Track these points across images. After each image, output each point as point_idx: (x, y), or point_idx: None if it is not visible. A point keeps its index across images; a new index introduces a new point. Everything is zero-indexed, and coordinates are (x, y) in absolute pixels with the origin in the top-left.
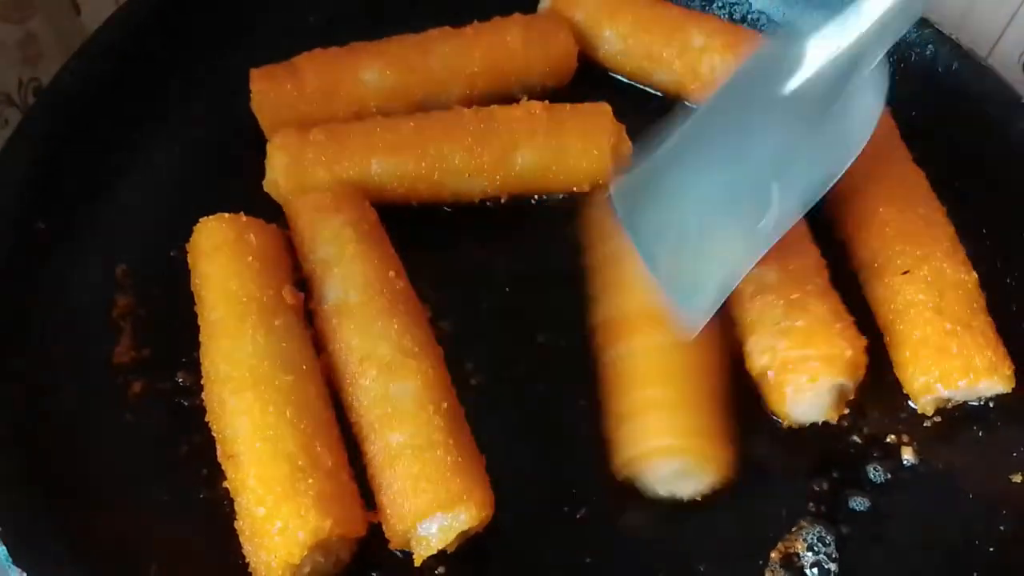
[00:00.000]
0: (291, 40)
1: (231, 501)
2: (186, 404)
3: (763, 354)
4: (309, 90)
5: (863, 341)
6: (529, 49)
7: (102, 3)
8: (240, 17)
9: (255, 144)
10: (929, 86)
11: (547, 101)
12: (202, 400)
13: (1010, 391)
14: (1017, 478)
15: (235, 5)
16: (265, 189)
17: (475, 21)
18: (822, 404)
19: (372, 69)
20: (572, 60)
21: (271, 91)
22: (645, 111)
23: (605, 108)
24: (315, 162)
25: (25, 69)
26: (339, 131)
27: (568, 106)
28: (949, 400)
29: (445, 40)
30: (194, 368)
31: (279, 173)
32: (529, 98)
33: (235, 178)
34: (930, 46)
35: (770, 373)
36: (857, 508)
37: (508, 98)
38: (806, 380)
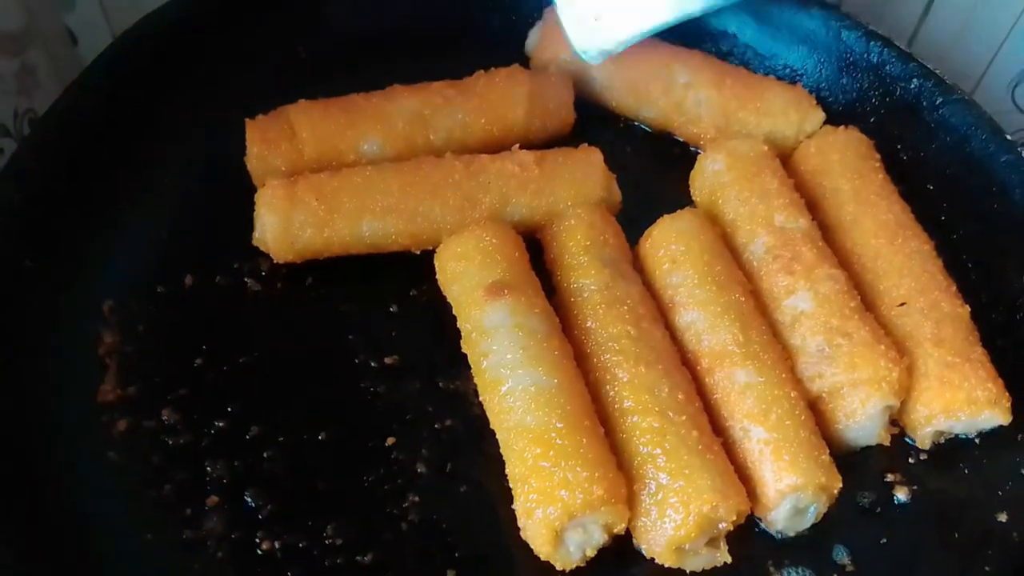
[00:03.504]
0: (282, 72)
1: (215, 540)
2: (171, 443)
3: (812, 381)
4: (307, 158)
5: (906, 360)
6: (531, 123)
7: (99, 34)
8: (232, 48)
9: (245, 180)
10: (914, 120)
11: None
12: (186, 439)
13: (1007, 424)
14: (1003, 517)
15: (228, 36)
16: (254, 243)
17: (461, 52)
18: (874, 428)
19: (372, 142)
20: (570, 122)
21: (267, 154)
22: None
23: (596, 157)
24: (305, 224)
25: (21, 99)
26: (328, 194)
27: (560, 154)
28: (944, 434)
29: (448, 111)
30: (180, 406)
31: (268, 234)
32: (521, 145)
33: (224, 215)
34: (915, 80)
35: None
36: (845, 545)
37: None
38: (857, 404)
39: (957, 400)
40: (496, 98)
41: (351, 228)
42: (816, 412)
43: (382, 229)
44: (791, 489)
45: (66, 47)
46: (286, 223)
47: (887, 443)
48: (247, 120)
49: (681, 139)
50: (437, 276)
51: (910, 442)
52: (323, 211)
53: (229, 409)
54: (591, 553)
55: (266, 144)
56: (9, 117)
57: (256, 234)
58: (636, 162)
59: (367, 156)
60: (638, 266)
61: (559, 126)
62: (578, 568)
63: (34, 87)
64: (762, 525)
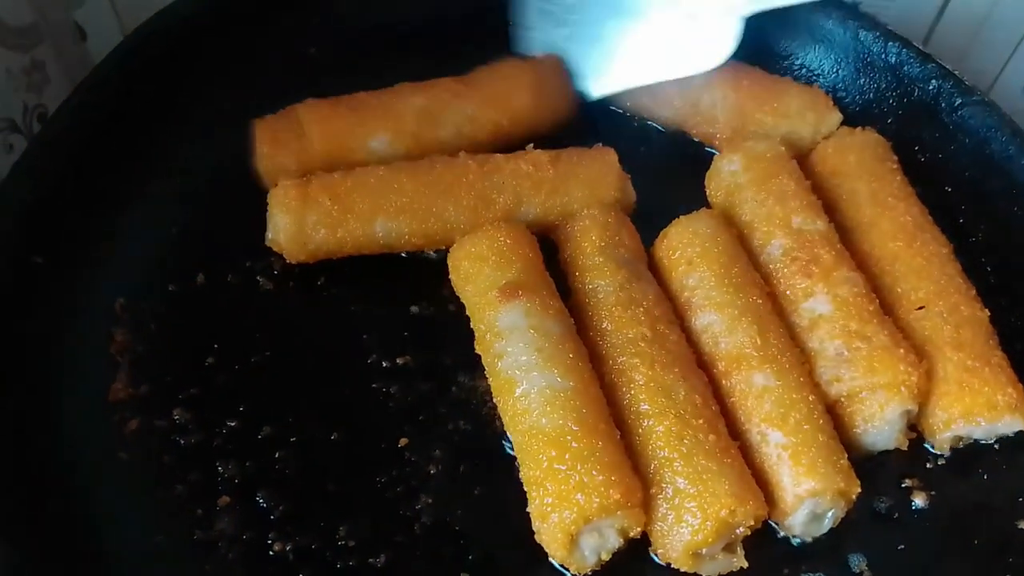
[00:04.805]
0: (293, 71)
1: (226, 541)
2: (182, 442)
3: (830, 384)
4: (316, 156)
5: (924, 364)
6: (539, 110)
7: (108, 30)
8: (242, 47)
9: (255, 178)
10: (932, 122)
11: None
12: (198, 438)
13: None
14: (1023, 524)
15: (239, 34)
16: (267, 244)
17: (461, 50)
18: (892, 432)
19: (381, 139)
20: (575, 107)
21: (276, 153)
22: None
23: (611, 157)
24: (318, 224)
25: (30, 95)
26: (342, 194)
27: (574, 154)
28: (962, 438)
29: (456, 105)
30: (191, 405)
31: (282, 234)
32: (534, 143)
33: (236, 213)
34: (933, 81)
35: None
36: (861, 551)
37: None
38: (876, 409)
39: (976, 405)
40: (502, 88)
41: (364, 228)
42: (834, 416)
43: (395, 229)
44: (809, 494)
45: (75, 43)
46: (299, 223)
47: (905, 447)
48: (255, 120)
49: (697, 139)
50: (450, 276)
51: (928, 447)
52: (336, 211)
53: (241, 409)
54: (606, 557)
55: (275, 143)
56: (18, 112)
57: (269, 235)
58: (651, 162)
59: (376, 153)
60: (653, 267)
61: (566, 111)
62: (592, 572)
63: (43, 83)
64: (779, 531)
